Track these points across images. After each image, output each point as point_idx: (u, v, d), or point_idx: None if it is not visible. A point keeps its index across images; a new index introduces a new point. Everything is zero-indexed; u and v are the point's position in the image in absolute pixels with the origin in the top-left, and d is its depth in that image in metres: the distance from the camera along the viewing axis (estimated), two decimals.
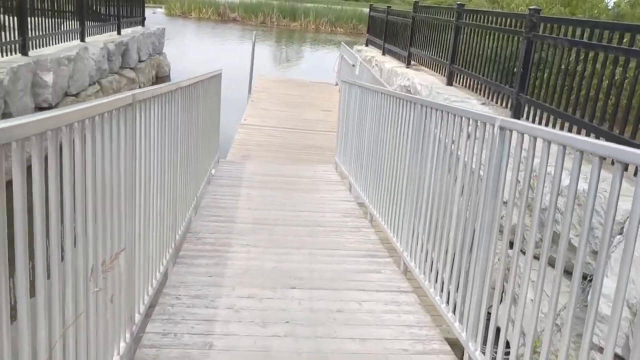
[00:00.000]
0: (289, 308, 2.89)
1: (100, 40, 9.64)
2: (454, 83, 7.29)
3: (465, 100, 6.22)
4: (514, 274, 2.19)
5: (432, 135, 3.20)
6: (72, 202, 1.61)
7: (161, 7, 40.76)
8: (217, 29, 32.11)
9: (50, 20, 8.17)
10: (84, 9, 9.19)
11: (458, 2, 7.14)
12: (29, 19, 7.29)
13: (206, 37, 28.35)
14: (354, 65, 10.82)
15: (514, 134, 2.25)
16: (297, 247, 3.77)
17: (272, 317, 2.77)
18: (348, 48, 12.47)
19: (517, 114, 5.22)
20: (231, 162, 6.26)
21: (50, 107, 7.33)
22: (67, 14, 8.81)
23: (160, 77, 14.04)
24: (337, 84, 13.21)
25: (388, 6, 11.62)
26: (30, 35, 7.35)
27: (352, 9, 44.14)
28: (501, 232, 2.33)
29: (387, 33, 11.46)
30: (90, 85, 8.85)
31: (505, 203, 2.29)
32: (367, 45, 14.17)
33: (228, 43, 25.34)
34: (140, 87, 11.82)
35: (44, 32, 7.94)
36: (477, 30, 6.63)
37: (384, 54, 11.67)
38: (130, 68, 11.30)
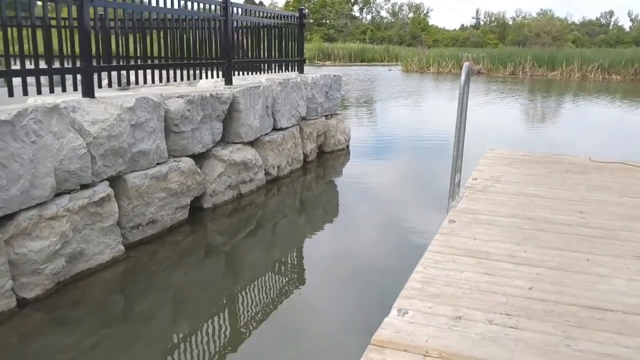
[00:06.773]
0: None
1: (143, 94, 4.87)
2: None
3: None
4: None
5: None
6: None
7: (398, 64, 38.80)
8: (456, 82, 26.83)
9: None
10: (85, 43, 4.43)
11: None
12: None
13: (444, 91, 23.24)
14: None
15: None
16: None
17: None
18: None
19: None
20: None
21: None
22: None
23: (330, 152, 8.92)
24: None
25: None
26: None
27: (631, 50, 34.14)
28: None
29: None
30: (55, 196, 4.03)
31: None
32: None
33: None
34: (266, 179, 6.87)
35: None
36: None
37: None
38: (246, 143, 6.39)
